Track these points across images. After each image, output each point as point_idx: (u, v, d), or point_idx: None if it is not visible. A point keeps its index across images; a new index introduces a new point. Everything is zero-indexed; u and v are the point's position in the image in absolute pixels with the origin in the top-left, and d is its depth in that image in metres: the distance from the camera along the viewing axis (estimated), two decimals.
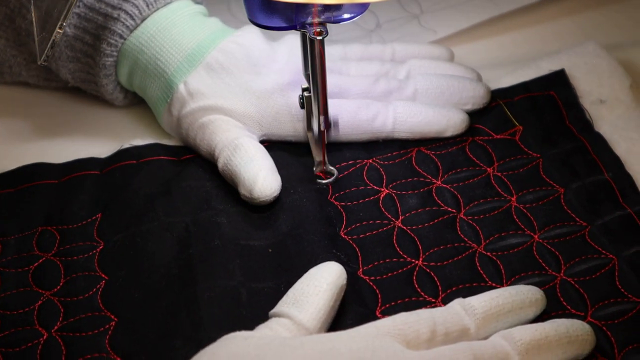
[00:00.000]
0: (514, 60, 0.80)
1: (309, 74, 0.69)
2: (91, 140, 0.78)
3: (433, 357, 0.54)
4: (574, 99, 0.76)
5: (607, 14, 0.85)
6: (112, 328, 0.63)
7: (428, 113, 0.73)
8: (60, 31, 0.67)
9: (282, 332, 0.57)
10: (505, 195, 0.70)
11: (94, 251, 0.68)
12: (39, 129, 0.79)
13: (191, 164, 0.73)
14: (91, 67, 0.76)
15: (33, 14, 0.69)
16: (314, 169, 0.72)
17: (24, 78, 0.81)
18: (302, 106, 0.71)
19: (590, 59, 0.78)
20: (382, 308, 0.63)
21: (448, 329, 0.57)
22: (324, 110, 0.69)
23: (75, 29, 0.74)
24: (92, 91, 0.78)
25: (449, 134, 0.73)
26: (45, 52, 0.68)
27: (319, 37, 0.66)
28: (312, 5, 0.66)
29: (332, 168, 0.72)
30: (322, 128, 0.69)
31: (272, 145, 0.74)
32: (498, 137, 0.74)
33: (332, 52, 0.77)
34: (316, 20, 0.66)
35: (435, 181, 0.71)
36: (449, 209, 0.69)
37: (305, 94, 0.70)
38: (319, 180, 0.72)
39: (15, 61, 0.79)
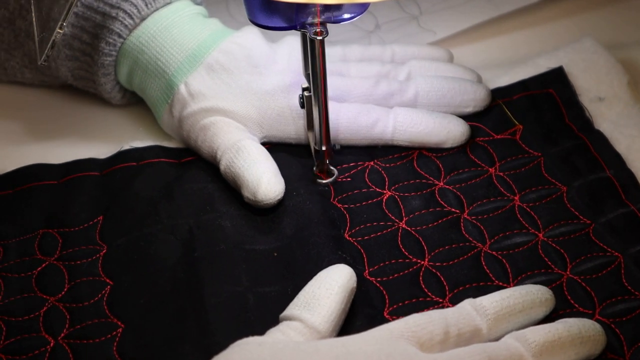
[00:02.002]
0: (513, 61, 0.80)
1: (309, 74, 0.69)
2: (89, 141, 0.77)
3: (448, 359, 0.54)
4: (573, 97, 0.76)
5: (606, 14, 0.86)
6: (119, 335, 0.63)
7: (429, 123, 0.73)
8: (60, 31, 0.67)
9: (294, 335, 0.57)
10: (508, 194, 0.70)
11: (97, 255, 0.68)
12: (36, 130, 0.79)
13: (192, 167, 0.73)
14: (90, 65, 0.75)
15: (33, 14, 0.69)
16: (314, 168, 0.72)
17: (20, 79, 0.80)
18: (302, 106, 0.71)
19: (588, 55, 0.78)
20: (390, 309, 0.63)
21: (460, 330, 0.57)
22: (326, 140, 0.69)
23: (73, 28, 0.74)
24: (90, 89, 0.78)
25: (448, 145, 0.73)
26: (46, 52, 0.67)
27: (319, 37, 0.66)
28: (313, 5, 0.66)
29: (332, 168, 0.72)
30: (322, 150, 0.70)
31: (273, 147, 0.73)
32: (498, 137, 0.74)
33: (332, 53, 0.77)
34: (316, 20, 0.66)
35: (437, 182, 0.71)
36: (453, 210, 0.69)
37: (306, 93, 0.70)
38: (319, 180, 0.71)
39: (12, 62, 0.78)
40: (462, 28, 0.85)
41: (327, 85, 0.69)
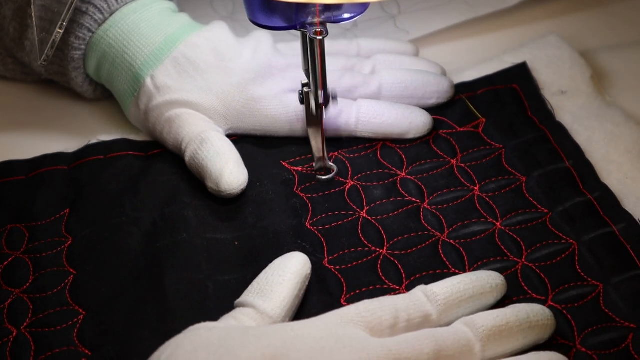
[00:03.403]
0: (483, 61, 0.81)
1: (307, 69, 0.69)
2: (58, 135, 0.78)
3: (396, 344, 0.55)
4: (535, 91, 0.77)
5: (579, 19, 0.86)
6: (80, 321, 0.64)
7: (391, 115, 0.74)
8: (60, 31, 0.68)
9: (247, 321, 0.58)
10: (469, 185, 0.71)
11: (63, 247, 0.69)
12: (4, 124, 0.80)
13: (158, 159, 0.74)
14: (61, 60, 0.77)
15: (33, 14, 0.70)
16: (314, 165, 0.73)
17: (2, 72, 0.81)
18: (302, 102, 0.71)
19: (552, 51, 0.79)
20: (347, 296, 0.64)
21: (410, 316, 0.58)
22: (323, 84, 0.68)
23: (43, 22, 0.75)
24: (64, 83, 0.79)
25: (411, 136, 0.74)
26: (46, 52, 0.69)
27: (319, 37, 0.67)
28: (313, 5, 0.66)
29: (331, 164, 0.73)
30: (320, 101, 0.69)
31: (239, 139, 0.74)
32: (461, 129, 0.75)
33: (298, 47, 0.78)
34: (316, 20, 0.67)
35: (399, 173, 0.72)
36: (413, 199, 0.70)
37: (305, 89, 0.70)
38: (319, 177, 0.72)
39: None
40: (436, 29, 0.85)
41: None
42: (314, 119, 0.71)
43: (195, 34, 0.75)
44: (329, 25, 0.67)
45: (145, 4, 0.76)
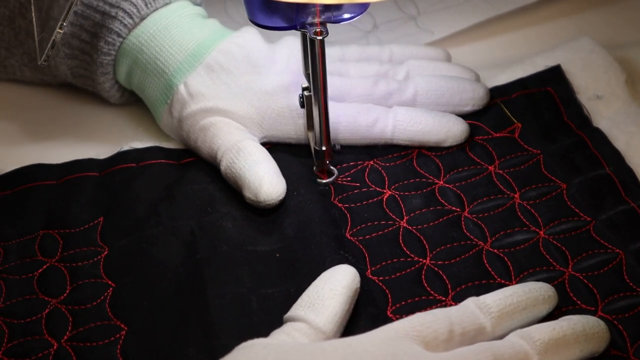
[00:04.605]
0: (511, 60, 0.80)
1: (309, 74, 0.69)
2: (88, 141, 0.77)
3: (454, 359, 0.54)
4: (571, 95, 0.76)
5: (603, 14, 0.86)
6: (122, 337, 0.62)
7: (428, 122, 0.73)
8: (60, 31, 0.67)
9: (299, 336, 0.57)
10: (508, 192, 0.70)
11: (99, 257, 0.68)
12: (34, 130, 0.79)
13: (192, 168, 0.73)
14: (88, 64, 0.75)
15: (33, 14, 0.69)
16: (314, 168, 0.72)
17: (19, 77, 0.80)
18: (302, 105, 0.71)
19: (585, 54, 0.79)
20: (393, 308, 0.63)
21: (465, 328, 0.57)
22: (327, 139, 0.69)
23: (72, 26, 0.74)
24: (89, 87, 0.78)
25: (447, 144, 0.73)
26: (46, 52, 0.67)
27: (319, 37, 0.66)
28: (313, 5, 0.66)
29: (332, 168, 0.72)
30: (323, 157, 0.71)
31: (273, 146, 0.73)
32: (497, 135, 0.74)
33: (331, 54, 0.77)
34: (316, 20, 0.66)
35: (437, 181, 0.72)
36: (453, 208, 0.69)
37: (306, 93, 0.70)
38: (319, 180, 0.71)
39: (12, 61, 0.78)
40: (460, 28, 0.85)
41: (327, 85, 0.69)
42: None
43: (227, 40, 0.74)
44: (329, 26, 0.67)
45: (175, 10, 0.75)
